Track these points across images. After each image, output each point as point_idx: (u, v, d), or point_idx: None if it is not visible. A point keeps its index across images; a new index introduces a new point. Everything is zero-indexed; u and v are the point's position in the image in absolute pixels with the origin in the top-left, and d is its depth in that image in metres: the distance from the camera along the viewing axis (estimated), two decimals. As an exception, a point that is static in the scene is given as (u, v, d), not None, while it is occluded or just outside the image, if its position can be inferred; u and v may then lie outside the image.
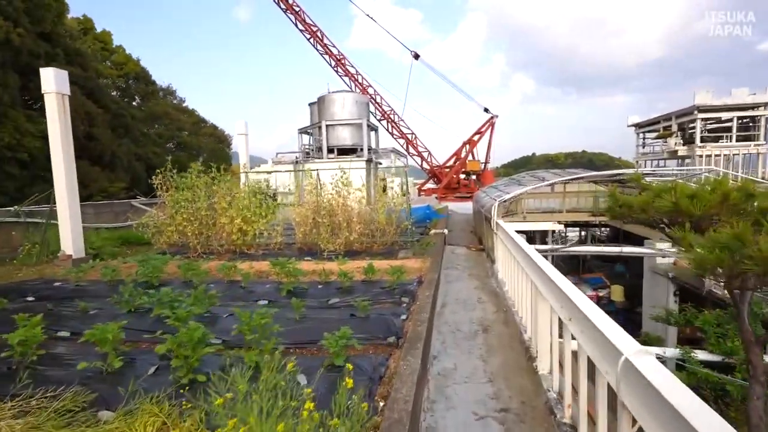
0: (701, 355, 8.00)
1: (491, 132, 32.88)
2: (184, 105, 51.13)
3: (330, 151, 24.08)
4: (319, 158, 24.01)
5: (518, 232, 6.84)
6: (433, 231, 12.17)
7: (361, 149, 23.76)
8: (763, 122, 22.58)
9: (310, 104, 26.58)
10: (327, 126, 23.61)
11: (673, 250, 10.61)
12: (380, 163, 27.36)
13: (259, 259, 9.43)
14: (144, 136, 39.02)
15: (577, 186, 21.72)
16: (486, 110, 33.35)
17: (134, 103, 48.10)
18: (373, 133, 27.03)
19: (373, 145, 26.58)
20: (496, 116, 33.18)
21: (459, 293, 7.29)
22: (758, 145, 22.70)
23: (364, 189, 10.92)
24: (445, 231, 12.05)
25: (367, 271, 6.62)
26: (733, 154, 23.00)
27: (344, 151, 24.04)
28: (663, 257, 10.90)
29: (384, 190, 26.71)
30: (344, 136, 23.70)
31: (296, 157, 23.62)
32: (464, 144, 32.68)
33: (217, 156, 40.50)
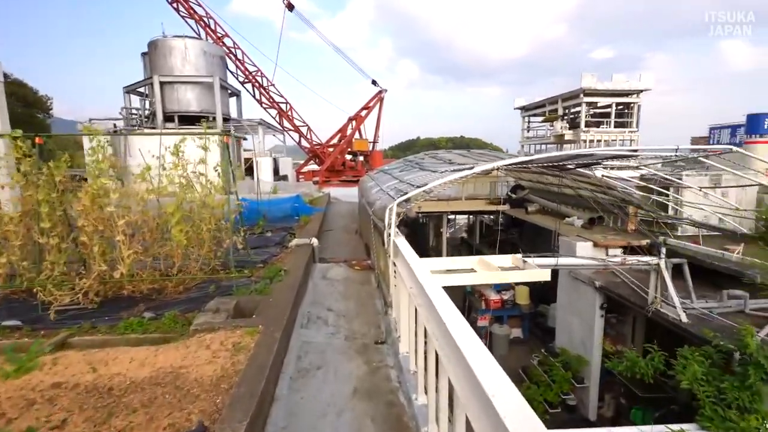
0: (700, 437, 5.28)
1: (380, 108, 29.37)
2: (-32, 50, 36.71)
3: (168, 119, 17.67)
4: (153, 128, 17.42)
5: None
6: (294, 242, 7.77)
7: (214, 118, 17.89)
8: (636, 110, 23.31)
9: (143, 54, 19.43)
10: (162, 84, 17.11)
11: (634, 260, 7.96)
12: (245, 138, 21.74)
13: None
14: None
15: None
16: (374, 83, 29.63)
17: None
18: (233, 100, 21.14)
19: (234, 114, 20.77)
20: (385, 90, 29.73)
21: (321, 418, 3.11)
22: (632, 131, 23.41)
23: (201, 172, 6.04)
24: (314, 242, 7.75)
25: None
26: (612, 140, 23.40)
27: (189, 120, 17.88)
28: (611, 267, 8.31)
29: (249, 172, 21.24)
30: (188, 99, 17.53)
31: (114, 126, 16.70)
32: (350, 120, 28.58)
33: (24, 123, 29.56)
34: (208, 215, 5.47)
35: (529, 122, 30.03)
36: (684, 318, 6.76)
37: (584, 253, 9.05)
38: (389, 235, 4.73)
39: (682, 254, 8.13)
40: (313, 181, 25.23)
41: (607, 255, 9.32)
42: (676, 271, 7.04)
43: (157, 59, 17.19)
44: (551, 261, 7.01)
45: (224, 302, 4.55)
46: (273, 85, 22.79)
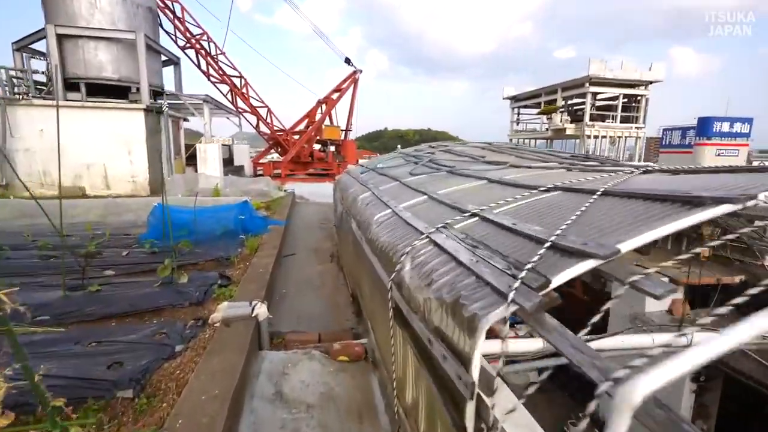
0: None
1: (354, 90, 25.37)
2: None
3: (72, 86, 13.02)
4: (49, 98, 12.75)
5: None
6: (222, 313, 3.94)
7: (138, 89, 13.42)
8: (643, 103, 20.87)
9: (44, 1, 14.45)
10: (60, 37, 12.42)
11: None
12: (185, 119, 17.27)
13: None
14: None
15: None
16: (348, 61, 25.56)
17: None
18: (170, 69, 16.58)
19: (171, 88, 16.28)
20: (360, 71, 25.77)
21: None
22: (639, 127, 20.95)
23: None
24: (260, 312, 3.97)
25: None
26: (618, 137, 20.84)
27: (103, 90, 13.29)
28: None
29: (189, 161, 16.84)
30: (100, 61, 12.93)
31: (-12, 93, 11.89)
32: (319, 103, 24.43)
33: None
34: None
35: (519, 114, 27.11)
36: None
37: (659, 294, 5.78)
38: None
39: None
40: (274, 173, 21.07)
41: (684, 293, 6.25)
42: None
43: (53, 1, 12.46)
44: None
45: None
46: (223, 53, 18.33)
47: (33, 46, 14.25)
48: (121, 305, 4.55)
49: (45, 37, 12.73)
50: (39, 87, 13.64)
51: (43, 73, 13.53)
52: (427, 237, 2.65)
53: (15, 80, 12.69)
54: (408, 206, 3.83)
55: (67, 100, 12.52)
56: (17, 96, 12.29)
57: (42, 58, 14.25)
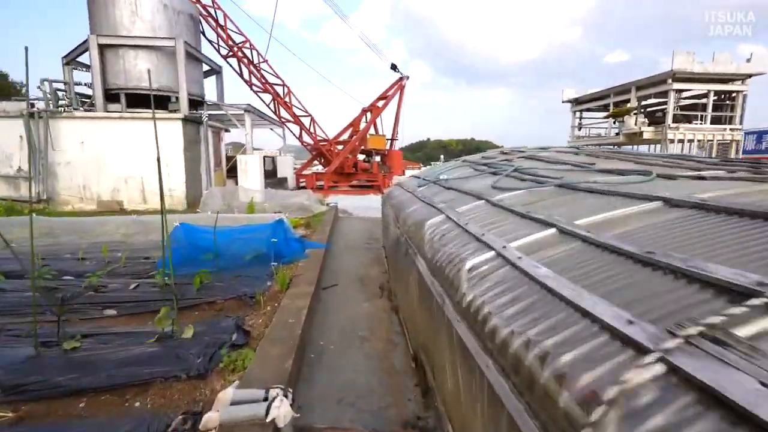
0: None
1: (400, 98, 24.11)
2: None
3: (112, 97, 12.63)
4: (90, 110, 12.41)
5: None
6: (220, 406, 2.53)
7: (177, 98, 12.82)
8: (740, 101, 17.86)
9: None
10: (102, 47, 12.07)
11: None
12: (227, 130, 16.66)
13: None
14: None
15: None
16: (394, 68, 24.40)
17: None
18: (212, 79, 16.08)
19: (213, 98, 15.72)
20: (407, 77, 24.50)
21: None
22: (734, 129, 17.93)
23: None
24: (280, 414, 2.49)
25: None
26: (708, 140, 17.93)
27: (142, 100, 12.82)
28: None
29: (231, 174, 16.15)
30: (140, 71, 12.45)
31: (31, 106, 11.69)
32: (364, 112, 23.36)
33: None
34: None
35: (581, 118, 24.55)
36: None
37: None
38: None
39: None
40: (317, 185, 20.09)
41: None
42: None
43: (97, 12, 12.17)
44: None
45: None
46: (266, 61, 17.70)
47: (80, 59, 14.19)
48: (99, 374, 3.28)
49: (88, 49, 12.45)
50: (83, 99, 13.43)
51: (86, 84, 13.31)
52: (664, 361, 1.05)
53: (59, 93, 12.49)
54: (526, 247, 2.22)
55: (108, 112, 12.11)
56: (59, 108, 12.02)
57: (87, 70, 14.13)
